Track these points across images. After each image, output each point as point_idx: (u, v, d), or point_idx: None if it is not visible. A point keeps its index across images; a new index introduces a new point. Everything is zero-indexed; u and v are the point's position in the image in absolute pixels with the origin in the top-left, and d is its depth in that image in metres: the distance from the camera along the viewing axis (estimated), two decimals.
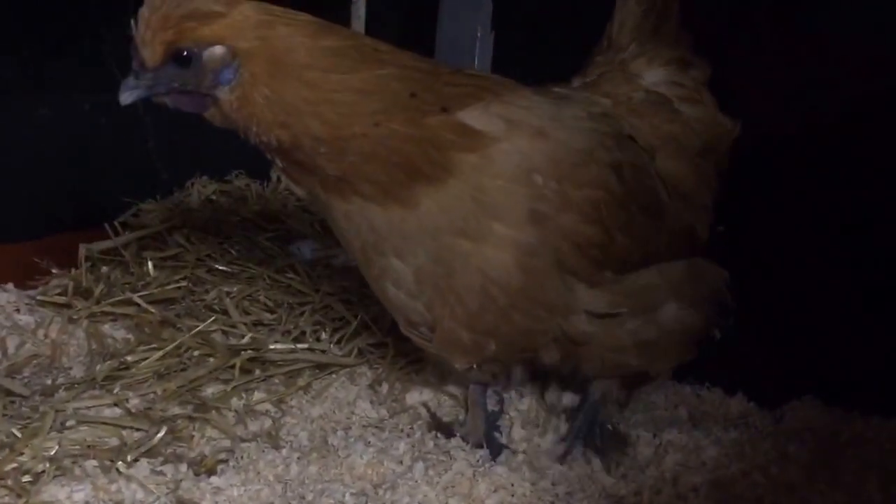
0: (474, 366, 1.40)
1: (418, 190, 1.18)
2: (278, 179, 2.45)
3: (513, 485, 1.36)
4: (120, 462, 1.30)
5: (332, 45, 1.13)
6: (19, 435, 1.33)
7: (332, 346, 1.75)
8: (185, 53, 1.09)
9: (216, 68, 1.10)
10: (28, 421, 1.38)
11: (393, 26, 2.50)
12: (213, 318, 1.77)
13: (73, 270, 1.95)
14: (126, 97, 1.16)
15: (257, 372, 1.64)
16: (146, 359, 1.63)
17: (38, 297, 1.85)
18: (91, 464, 1.30)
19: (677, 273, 1.44)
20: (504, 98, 1.25)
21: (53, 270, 1.95)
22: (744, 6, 1.75)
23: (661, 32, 1.57)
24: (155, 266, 1.95)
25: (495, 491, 1.35)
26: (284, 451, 1.41)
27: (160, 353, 1.65)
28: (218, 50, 1.09)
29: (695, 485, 1.44)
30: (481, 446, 1.49)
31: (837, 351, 1.67)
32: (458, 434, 1.52)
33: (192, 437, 1.45)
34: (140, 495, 1.26)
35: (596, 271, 1.31)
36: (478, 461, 1.41)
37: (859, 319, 1.66)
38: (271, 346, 1.71)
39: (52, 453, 1.30)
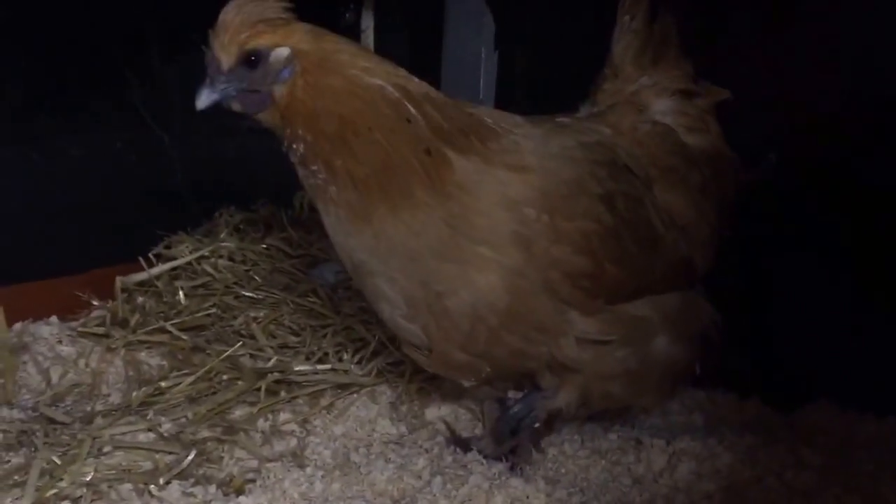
0: (475, 383, 1.41)
1: (399, 210, 1.23)
2: (301, 207, 2.49)
3: (528, 496, 1.37)
4: (153, 485, 1.34)
5: (367, 61, 1.24)
6: (59, 462, 1.37)
7: (353, 366, 1.77)
8: (256, 55, 1.20)
9: (279, 68, 1.21)
10: (67, 448, 1.42)
11: (400, 50, 2.54)
12: (240, 342, 1.81)
13: (110, 302, 2.01)
14: (202, 101, 1.23)
15: (283, 393, 1.67)
16: (179, 384, 1.68)
17: (79, 329, 1.91)
18: (126, 487, 1.33)
19: (671, 307, 1.41)
20: (489, 139, 1.27)
21: (94, 303, 2.01)
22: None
23: (661, 62, 1.55)
24: (186, 295, 2.00)
25: (511, 503, 1.36)
26: (309, 470, 1.43)
27: (191, 378, 1.69)
28: (283, 51, 1.21)
29: (709, 492, 1.42)
30: (500, 460, 1.49)
31: (850, 353, 1.65)
32: (475, 448, 1.52)
33: (221, 458, 1.48)
34: None
35: (588, 300, 1.30)
36: (494, 474, 1.42)
37: (872, 322, 1.63)
38: (296, 369, 1.74)
39: (89, 479, 1.34)
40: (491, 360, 1.34)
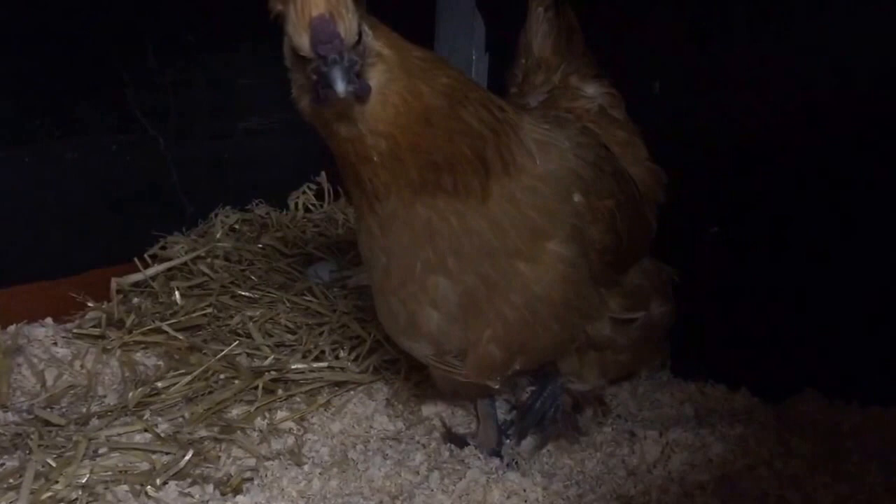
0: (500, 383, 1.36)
1: (491, 187, 1.13)
2: (296, 206, 2.43)
3: (525, 490, 1.33)
4: (149, 486, 1.28)
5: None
6: (54, 464, 1.30)
7: (349, 363, 1.71)
8: (362, 30, 0.99)
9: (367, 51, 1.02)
10: (63, 450, 1.36)
11: None
12: (237, 342, 1.75)
13: (106, 303, 1.94)
14: (346, 87, 0.96)
15: (280, 392, 1.61)
16: (175, 384, 1.61)
17: (75, 330, 1.84)
18: (122, 489, 1.27)
19: (650, 271, 1.44)
20: (531, 123, 1.23)
21: (89, 304, 1.94)
22: None
23: (573, 49, 1.57)
24: (182, 295, 1.93)
25: (508, 497, 1.31)
26: (307, 468, 1.38)
27: (188, 377, 1.62)
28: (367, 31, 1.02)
29: (702, 482, 1.39)
30: (495, 456, 1.45)
31: (836, 345, 1.61)
32: (471, 443, 1.48)
33: (219, 457, 1.42)
34: None
35: (610, 275, 1.30)
36: (491, 469, 1.38)
37: (856, 314, 1.60)
38: (293, 367, 1.68)
39: (84, 481, 1.27)
40: (528, 355, 1.28)
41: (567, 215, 1.19)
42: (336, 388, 1.64)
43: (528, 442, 1.51)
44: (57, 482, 1.26)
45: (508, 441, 1.52)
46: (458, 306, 1.19)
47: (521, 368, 1.32)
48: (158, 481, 1.29)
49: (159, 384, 1.61)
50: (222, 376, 1.65)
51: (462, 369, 1.28)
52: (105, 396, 1.63)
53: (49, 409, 1.54)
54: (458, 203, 1.11)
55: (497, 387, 1.33)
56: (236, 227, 2.27)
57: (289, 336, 1.82)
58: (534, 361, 1.33)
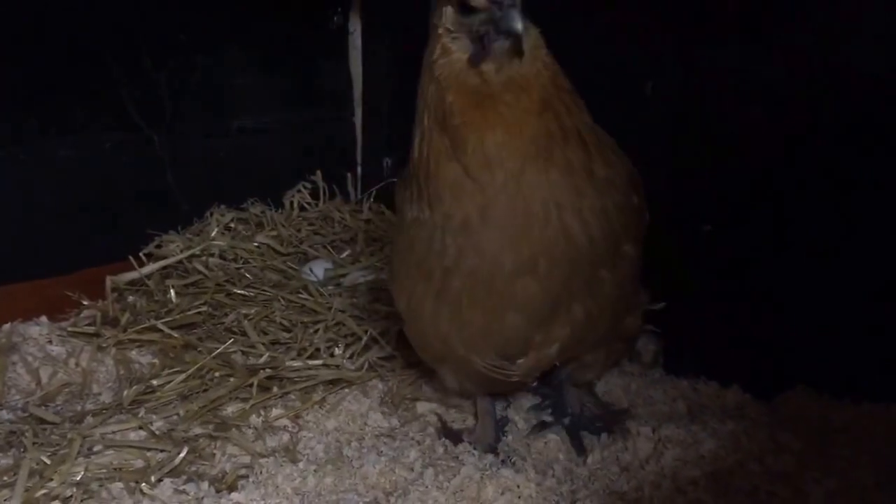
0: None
1: None
2: (291, 205, 2.42)
3: (519, 486, 1.32)
4: (144, 483, 1.27)
5: None
6: (48, 462, 1.30)
7: (344, 361, 1.71)
8: None
9: None
10: (57, 448, 1.35)
11: (387, 54, 2.47)
12: (232, 339, 1.74)
13: (101, 301, 1.93)
14: (520, 24, 1.07)
15: (275, 389, 1.60)
16: (170, 382, 1.61)
17: (69, 329, 1.83)
18: (117, 486, 1.27)
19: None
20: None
21: (84, 302, 1.93)
22: None
23: None
24: (177, 293, 1.93)
25: (502, 493, 1.31)
26: (301, 465, 1.38)
27: (183, 375, 1.62)
28: None
29: (694, 478, 1.39)
30: (492, 452, 1.45)
31: (828, 341, 1.61)
32: (466, 440, 1.48)
33: (214, 455, 1.41)
34: None
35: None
36: (485, 465, 1.37)
37: (849, 311, 1.60)
38: (288, 364, 1.67)
39: (79, 478, 1.27)
40: (574, 351, 1.30)
41: (630, 216, 1.22)
42: (331, 386, 1.64)
43: (601, 444, 1.51)
44: (51, 480, 1.25)
45: (505, 437, 1.52)
46: (542, 312, 1.19)
47: (558, 361, 1.34)
48: (153, 478, 1.29)
49: (154, 382, 1.61)
50: (217, 374, 1.64)
51: (517, 371, 1.28)
52: (100, 394, 1.62)
53: (44, 407, 1.53)
54: (564, 188, 1.11)
55: (535, 384, 1.35)
56: (231, 225, 2.26)
57: (284, 334, 1.81)
58: (568, 356, 1.35)
